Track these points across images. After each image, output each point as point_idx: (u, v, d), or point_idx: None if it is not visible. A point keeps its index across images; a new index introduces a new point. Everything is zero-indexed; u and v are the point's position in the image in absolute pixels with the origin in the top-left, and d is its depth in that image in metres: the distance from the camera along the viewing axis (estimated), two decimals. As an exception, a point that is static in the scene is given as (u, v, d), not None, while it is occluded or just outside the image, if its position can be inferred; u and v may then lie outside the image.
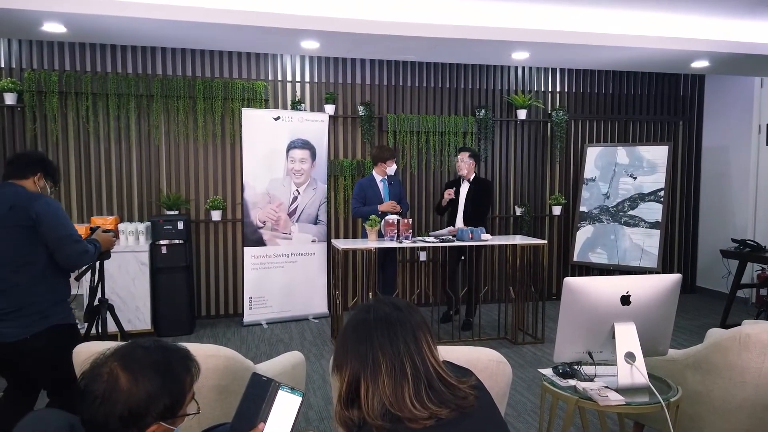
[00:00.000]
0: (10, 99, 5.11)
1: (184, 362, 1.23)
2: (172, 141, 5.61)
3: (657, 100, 6.93)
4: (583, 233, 6.52)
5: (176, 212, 5.47)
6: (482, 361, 1.98)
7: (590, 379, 2.31)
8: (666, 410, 2.11)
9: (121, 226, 5.08)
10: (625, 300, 2.24)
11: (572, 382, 2.31)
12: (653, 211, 6.17)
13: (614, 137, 6.84)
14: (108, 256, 2.85)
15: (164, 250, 5.19)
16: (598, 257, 6.38)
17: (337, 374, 1.32)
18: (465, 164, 5.22)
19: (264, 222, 5.54)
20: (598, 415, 2.88)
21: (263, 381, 1.40)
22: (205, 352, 2.00)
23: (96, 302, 2.86)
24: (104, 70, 5.41)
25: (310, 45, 5.06)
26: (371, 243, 4.81)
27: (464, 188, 5.30)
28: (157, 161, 5.60)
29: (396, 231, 4.85)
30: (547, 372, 2.43)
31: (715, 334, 2.79)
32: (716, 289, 6.75)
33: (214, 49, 5.59)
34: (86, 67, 5.38)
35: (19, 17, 4.16)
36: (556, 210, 6.65)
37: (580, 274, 6.65)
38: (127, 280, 5.04)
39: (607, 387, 2.22)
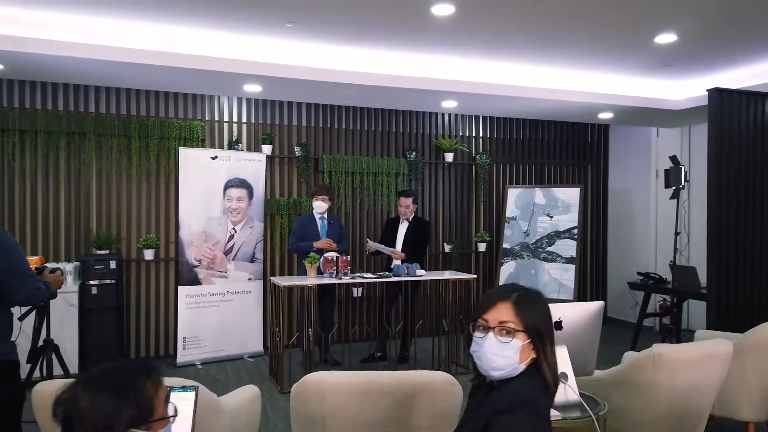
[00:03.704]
0: (-73, 133, 4.87)
1: (143, 373, 1.33)
2: (104, 179, 5.51)
3: (568, 146, 7.59)
4: (507, 268, 6.94)
5: (106, 251, 5.34)
6: (437, 383, 2.17)
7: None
8: (596, 423, 2.37)
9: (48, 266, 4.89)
10: (558, 325, 2.52)
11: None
12: (568, 247, 6.70)
13: (532, 179, 7.41)
14: (54, 296, 2.81)
15: (95, 290, 5.04)
16: (521, 291, 6.79)
17: None
18: (409, 209, 5.51)
19: (200, 260, 5.51)
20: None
21: None
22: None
23: (41, 343, 2.80)
24: (33, 106, 5.28)
25: (253, 88, 5.22)
26: (311, 279, 4.92)
27: (403, 227, 5.56)
28: (87, 199, 5.47)
29: (335, 267, 5.00)
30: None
31: (630, 356, 3.14)
32: (625, 319, 7.34)
33: (151, 89, 5.61)
34: (14, 102, 5.23)
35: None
36: (482, 247, 7.06)
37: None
38: (54, 322, 4.77)
39: (544, 405, 2.47)
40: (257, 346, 5.83)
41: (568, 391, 2.48)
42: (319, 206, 5.39)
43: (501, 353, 1.45)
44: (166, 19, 4.10)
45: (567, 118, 6.94)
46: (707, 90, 4.51)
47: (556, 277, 6.66)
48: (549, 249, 6.78)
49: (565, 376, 2.50)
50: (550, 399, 1.49)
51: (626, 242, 7.55)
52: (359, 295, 6.44)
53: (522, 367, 1.45)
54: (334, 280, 4.93)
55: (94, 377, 1.28)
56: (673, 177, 4.98)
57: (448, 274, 5.49)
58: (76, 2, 3.81)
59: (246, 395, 2.64)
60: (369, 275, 5.13)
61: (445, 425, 2.21)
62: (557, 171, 7.55)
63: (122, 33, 4.27)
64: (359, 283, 5.11)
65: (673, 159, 5.07)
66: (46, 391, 2.17)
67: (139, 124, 5.52)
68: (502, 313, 1.48)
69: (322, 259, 5.04)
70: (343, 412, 2.14)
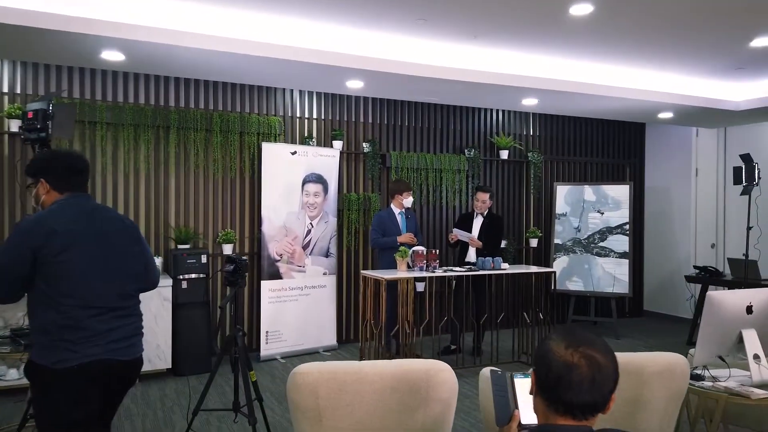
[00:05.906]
0: (16, 126, 4.76)
1: None
2: (182, 173, 5.48)
3: (609, 145, 7.82)
4: (560, 263, 7.12)
5: (188, 246, 5.31)
6: (679, 365, 2.30)
7: (719, 380, 2.69)
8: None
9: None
10: (749, 309, 2.68)
11: (706, 383, 2.68)
12: (621, 242, 6.92)
13: (577, 176, 7.61)
14: (244, 284, 2.84)
15: (185, 284, 5.02)
16: (575, 285, 7.00)
17: None
18: (486, 204, 5.64)
19: (281, 255, 5.53)
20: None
21: (499, 374, 1.62)
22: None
23: (234, 330, 2.82)
24: (115, 99, 5.22)
25: (355, 84, 5.26)
26: (402, 273, 4.99)
27: (478, 221, 5.68)
28: (166, 194, 5.42)
29: (425, 261, 5.08)
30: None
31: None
32: (663, 312, 7.65)
33: (234, 81, 5.58)
34: (96, 95, 5.15)
35: (80, 42, 4.00)
36: (533, 242, 7.23)
37: (560, 301, 7.24)
38: (149, 317, 4.78)
39: (743, 385, 2.62)
40: (331, 339, 5.87)
41: (763, 371, 2.63)
42: (410, 202, 5.51)
43: None
44: (267, 7, 4.09)
45: (627, 117, 7.19)
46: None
47: (610, 271, 6.87)
48: (601, 244, 6.99)
49: (757, 357, 2.66)
50: None
51: (664, 238, 7.82)
52: (422, 290, 6.52)
53: None
54: (426, 273, 5.02)
55: (591, 340, 1.34)
56: (747, 174, 5.25)
57: (533, 268, 5.66)
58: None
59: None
60: (458, 269, 5.23)
61: (673, 403, 2.34)
62: (599, 169, 7.77)
63: (212, 20, 4.21)
64: (451, 276, 5.21)
65: (745, 157, 5.33)
66: (306, 373, 2.21)
67: (221, 119, 5.50)
68: None
69: (411, 253, 5.12)
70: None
